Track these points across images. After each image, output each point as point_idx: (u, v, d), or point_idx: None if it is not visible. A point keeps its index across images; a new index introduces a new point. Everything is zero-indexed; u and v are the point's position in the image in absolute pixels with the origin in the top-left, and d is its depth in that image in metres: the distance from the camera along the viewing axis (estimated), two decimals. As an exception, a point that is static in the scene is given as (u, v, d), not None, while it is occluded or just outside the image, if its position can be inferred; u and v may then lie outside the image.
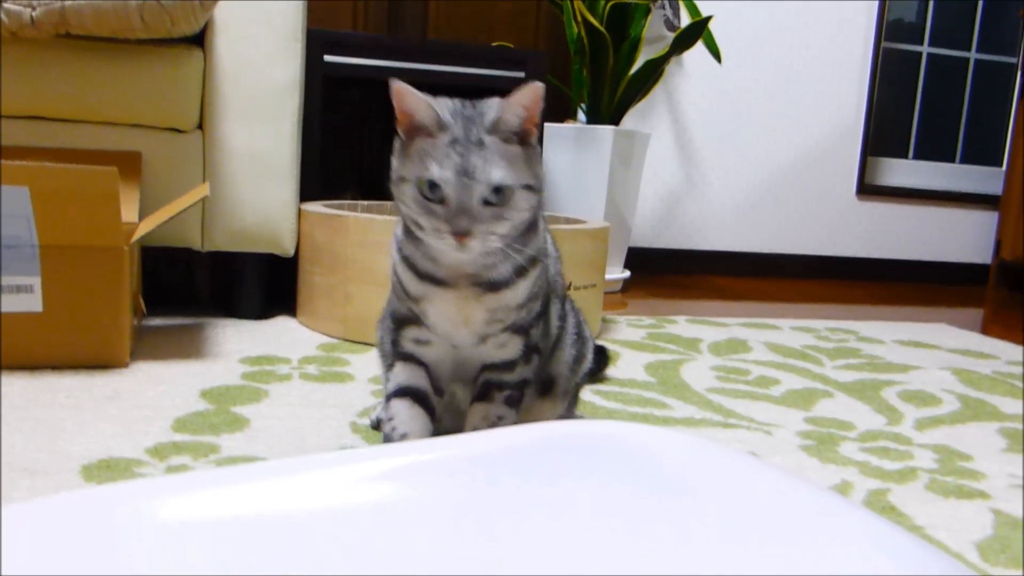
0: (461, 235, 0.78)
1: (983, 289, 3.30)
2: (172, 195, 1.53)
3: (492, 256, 0.84)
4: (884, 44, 3.19)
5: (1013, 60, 3.52)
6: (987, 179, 3.50)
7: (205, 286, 1.88)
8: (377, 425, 1.11)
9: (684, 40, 2.36)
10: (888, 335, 2.10)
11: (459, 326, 0.90)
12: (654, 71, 2.38)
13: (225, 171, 1.60)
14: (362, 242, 1.55)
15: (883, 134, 3.32)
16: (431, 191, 0.79)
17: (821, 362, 1.73)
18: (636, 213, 2.69)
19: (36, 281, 1.24)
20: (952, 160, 3.53)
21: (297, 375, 1.34)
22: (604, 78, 2.37)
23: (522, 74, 2.09)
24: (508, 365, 0.94)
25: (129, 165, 1.51)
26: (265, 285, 1.72)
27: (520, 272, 0.88)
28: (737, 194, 3.08)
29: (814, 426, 1.29)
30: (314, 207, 1.70)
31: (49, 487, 0.87)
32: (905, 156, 3.44)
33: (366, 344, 1.57)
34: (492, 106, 0.81)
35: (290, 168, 1.65)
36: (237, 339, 1.55)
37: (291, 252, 1.70)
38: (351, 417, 1.16)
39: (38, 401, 1.13)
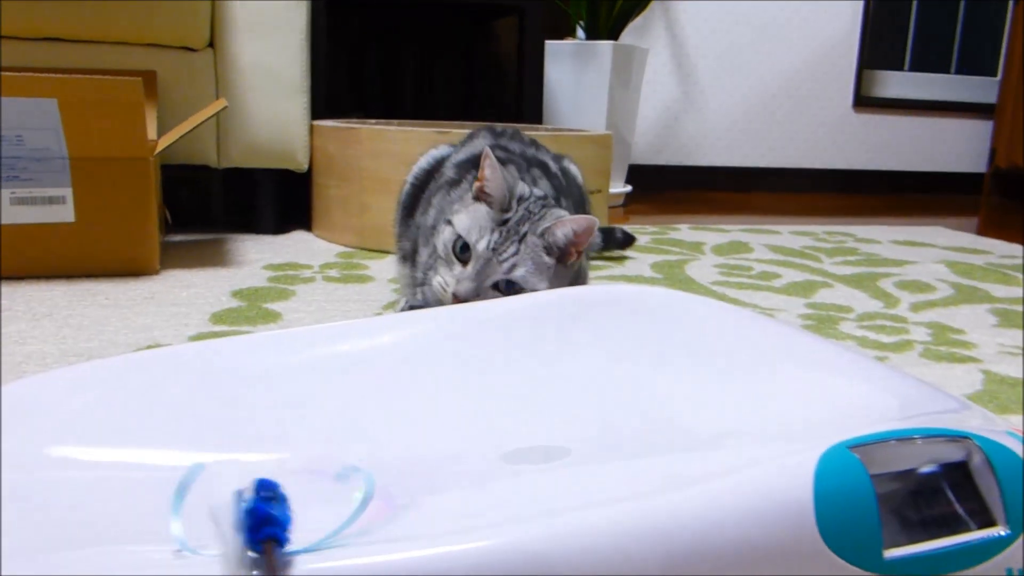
0: (458, 301, 0.84)
1: (978, 197, 3.35)
2: (187, 114, 1.57)
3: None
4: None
5: (1009, -32, 3.51)
6: (983, 89, 3.52)
7: (220, 203, 1.92)
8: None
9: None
10: (885, 236, 2.16)
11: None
12: (652, -17, 2.39)
13: (238, 88, 1.64)
14: (375, 152, 1.60)
15: (879, 46, 3.33)
16: (461, 250, 0.87)
17: (820, 259, 1.79)
18: (635, 130, 2.72)
19: (68, 192, 1.29)
20: (948, 71, 3.54)
21: (320, 278, 1.40)
22: (602, -7, 2.38)
23: (522, -10, 2.10)
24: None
25: (145, 84, 1.54)
26: (280, 200, 1.77)
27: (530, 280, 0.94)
28: (734, 110, 3.11)
29: (815, 310, 1.35)
30: (326, 122, 1.74)
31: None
32: (901, 68, 3.45)
33: (383, 251, 1.63)
34: (551, 215, 0.89)
35: (301, 82, 1.68)
36: (258, 250, 1.60)
37: (305, 167, 1.74)
38: (373, 309, 1.22)
39: (81, 302, 1.19)
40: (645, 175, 2.97)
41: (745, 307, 1.33)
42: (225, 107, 1.37)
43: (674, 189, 3.06)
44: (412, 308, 1.17)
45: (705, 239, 1.99)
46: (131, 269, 1.35)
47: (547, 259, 0.89)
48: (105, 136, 1.27)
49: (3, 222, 1.27)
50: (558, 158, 1.20)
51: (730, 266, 1.67)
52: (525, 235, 0.88)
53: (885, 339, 1.21)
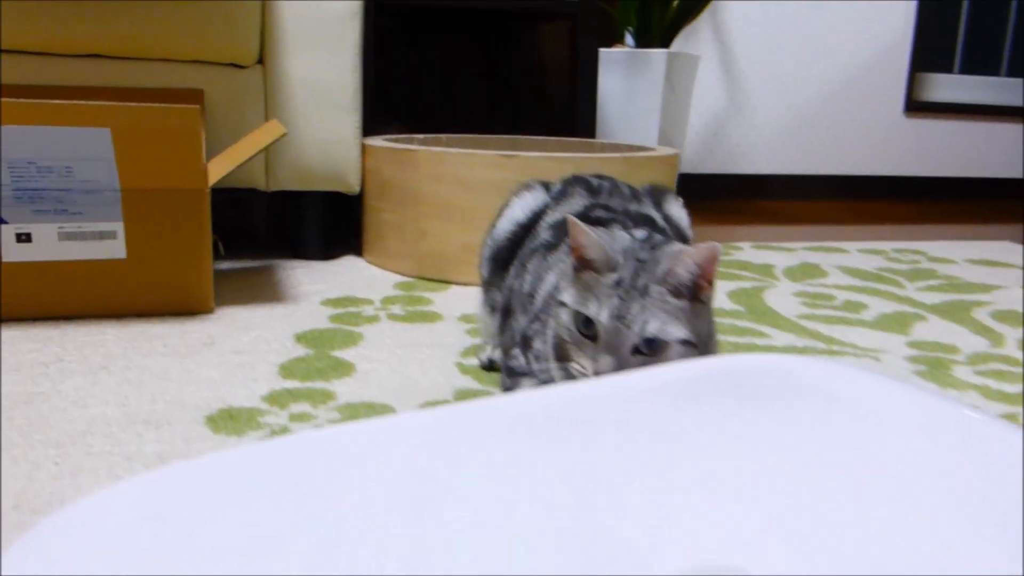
0: None
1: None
2: (234, 134, 1.48)
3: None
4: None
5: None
6: (1033, 91, 3.40)
7: (266, 227, 1.83)
8: (489, 366, 1.08)
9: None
10: (957, 254, 2.05)
11: None
12: (708, -12, 2.28)
13: (288, 107, 1.55)
14: (435, 175, 1.50)
15: (928, 48, 3.21)
16: (585, 326, 0.80)
17: (901, 284, 1.69)
18: (685, 138, 2.61)
19: (119, 226, 1.20)
20: (998, 73, 3.42)
21: (384, 316, 1.31)
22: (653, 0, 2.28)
23: (574, -4, 2.00)
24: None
25: (191, 103, 1.45)
26: (329, 224, 1.68)
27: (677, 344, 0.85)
28: (783, 116, 3.00)
29: (918, 350, 1.25)
30: (378, 141, 1.65)
31: (179, 440, 0.85)
32: (950, 71, 3.33)
33: (443, 281, 1.53)
34: (666, 255, 0.80)
35: (353, 100, 1.59)
36: (311, 280, 1.51)
37: (356, 189, 1.65)
38: (453, 357, 1.13)
39: (137, 349, 1.10)
40: (692, 183, 2.87)
41: (844, 350, 1.24)
42: (284, 134, 1.28)
43: (720, 198, 2.95)
44: (491, 363, 1.09)
45: (773, 260, 1.89)
46: (185, 308, 1.26)
47: (678, 302, 0.79)
48: (159, 166, 1.18)
49: (51, 258, 1.18)
50: (656, 197, 1.11)
51: (810, 294, 1.57)
52: (646, 288, 0.79)
53: (1008, 388, 1.11)
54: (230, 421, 0.89)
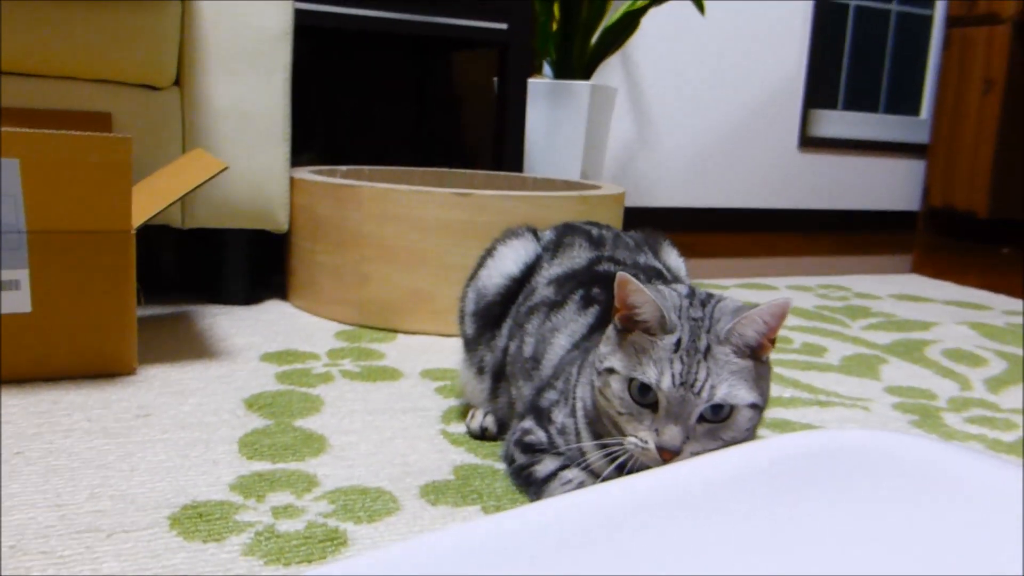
0: (668, 454, 0.69)
1: (913, 235, 3.38)
2: (146, 166, 1.30)
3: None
4: (821, -5, 3.18)
5: (928, 12, 3.59)
6: (908, 128, 3.58)
7: (179, 268, 1.63)
8: (481, 434, 0.96)
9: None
10: (879, 290, 2.08)
11: None
12: (632, 22, 2.25)
13: (209, 135, 1.37)
14: (380, 215, 1.37)
15: (816, 86, 3.32)
16: (641, 395, 0.71)
17: (846, 324, 1.68)
18: (602, 171, 2.57)
19: (23, 275, 1.00)
20: (876, 110, 3.59)
21: (337, 373, 1.16)
22: (576, 30, 2.22)
23: (503, 25, 1.91)
24: None
25: (96, 129, 1.26)
26: (253, 265, 1.51)
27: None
28: (688, 150, 3.02)
29: (899, 397, 1.23)
30: (309, 175, 1.49)
31: (143, 554, 0.68)
32: (835, 107, 3.47)
33: (388, 330, 1.39)
34: (727, 312, 0.72)
35: (282, 129, 1.43)
36: (240, 331, 1.34)
37: (285, 227, 1.49)
38: (436, 425, 1.00)
39: (55, 426, 0.91)
40: (600, 217, 2.83)
41: (831, 400, 1.19)
42: (225, 169, 1.12)
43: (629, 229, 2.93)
44: (483, 431, 0.96)
45: (712, 299, 1.85)
46: (102, 369, 1.07)
47: (743, 362, 0.71)
48: (78, 205, 1.00)
49: (-65, 318, 0.97)
50: (652, 246, 1.02)
51: (766, 336, 1.53)
52: (709, 349, 0.70)
53: (1004, 437, 1.08)
54: (201, 522, 0.73)
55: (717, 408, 0.69)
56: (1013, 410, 1.19)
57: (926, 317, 1.78)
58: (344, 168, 1.74)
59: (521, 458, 0.83)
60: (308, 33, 1.70)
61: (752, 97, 3.09)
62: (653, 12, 2.39)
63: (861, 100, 3.56)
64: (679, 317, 0.71)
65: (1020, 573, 0.56)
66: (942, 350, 1.51)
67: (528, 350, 0.90)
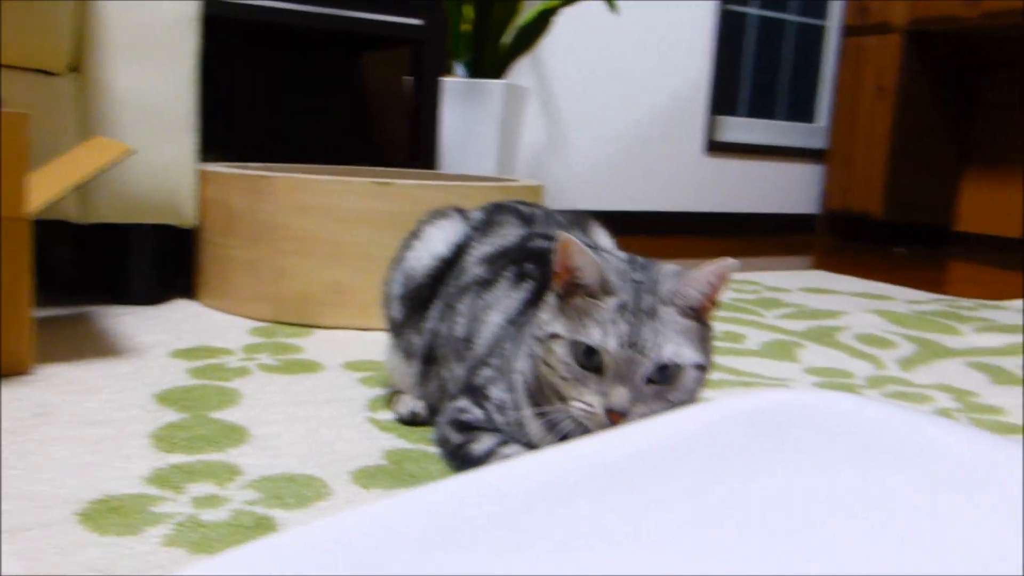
0: (616, 415, 0.67)
1: (812, 237, 3.50)
2: (41, 154, 1.21)
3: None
4: (724, 6, 3.27)
5: (823, 22, 3.74)
6: (806, 134, 3.71)
7: (77, 266, 1.54)
8: (411, 420, 0.93)
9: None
10: (788, 284, 2.14)
11: None
12: (544, 22, 2.25)
13: (111, 123, 1.30)
14: (297, 206, 1.32)
15: (720, 93, 3.41)
16: (587, 358, 0.69)
17: (761, 314, 1.71)
18: (515, 173, 2.57)
19: (-96, 268, 0.91)
20: (774, 117, 3.71)
21: (255, 367, 1.11)
22: (489, 29, 2.21)
23: (418, 22, 1.89)
24: None
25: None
26: (158, 263, 1.43)
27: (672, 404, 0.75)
28: (596, 153, 3.04)
29: (819, 376, 1.25)
30: (221, 167, 1.43)
31: (50, 551, 0.62)
32: (737, 114, 3.56)
33: (306, 326, 1.34)
34: (669, 275, 0.72)
35: (189, 119, 1.37)
36: (146, 329, 1.26)
37: (193, 221, 1.42)
38: (362, 413, 0.96)
39: (-56, 428, 0.84)
40: (514, 220, 2.82)
41: (755, 381, 1.20)
42: (131, 152, 1.05)
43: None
44: (413, 415, 0.93)
45: (631, 293, 1.86)
46: (-5, 369, 0.99)
47: (687, 323, 0.71)
48: (-35, 190, 0.92)
49: None
50: (581, 226, 1.01)
51: (686, 326, 1.54)
52: (654, 310, 0.70)
53: (922, 407, 1.11)
54: (115, 516, 0.67)
55: (663, 368, 0.69)
56: (926, 386, 1.23)
57: (835, 307, 1.83)
58: (254, 166, 1.68)
59: (456, 437, 0.80)
60: (216, 27, 1.64)
61: (660, 101, 3.14)
62: (564, 13, 2.41)
63: (761, 107, 3.67)
64: (621, 280, 0.71)
65: (969, 519, 0.56)
66: (854, 335, 1.55)
67: (460, 330, 0.87)
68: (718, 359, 1.31)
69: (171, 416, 0.91)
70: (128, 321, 1.30)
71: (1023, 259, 2.87)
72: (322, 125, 2.16)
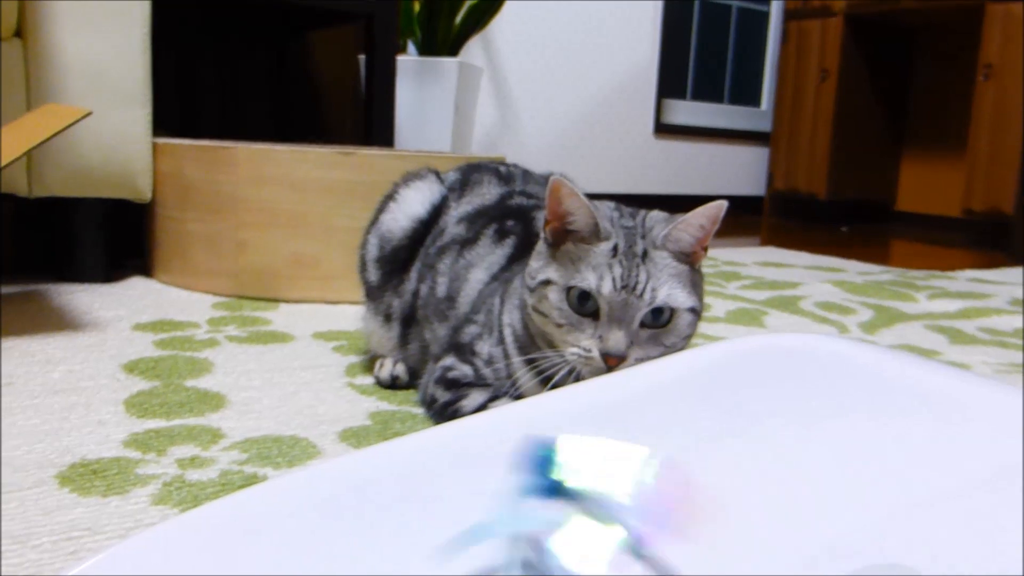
0: (613, 359, 0.67)
1: (760, 218, 3.56)
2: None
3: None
4: (669, -13, 3.29)
5: (766, 8, 3.80)
6: (752, 118, 3.77)
7: (22, 243, 1.47)
8: (391, 383, 0.91)
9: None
10: (743, 259, 2.16)
11: None
12: (496, 1, 2.24)
13: (59, 92, 1.24)
14: (257, 177, 1.28)
15: (668, 76, 3.44)
16: (581, 303, 0.69)
17: (723, 285, 1.73)
18: (469, 152, 2.54)
19: None
20: (721, 101, 3.76)
21: (223, 339, 1.07)
22: (441, 7, 2.19)
23: (368, -4, 1.85)
24: None
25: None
26: (112, 239, 1.38)
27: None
28: (549, 134, 3.04)
29: (787, 340, 1.26)
30: (176, 140, 1.38)
31: (34, 510, 0.59)
32: (684, 97, 3.60)
33: (270, 300, 1.31)
34: (659, 220, 0.72)
35: (143, 89, 1.32)
36: (104, 305, 1.22)
37: (148, 195, 1.37)
38: (340, 378, 0.94)
39: (-101, 400, 0.79)
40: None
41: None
42: (87, 114, 1.00)
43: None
44: (394, 379, 0.91)
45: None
46: (-53, 343, 0.94)
47: (680, 267, 0.70)
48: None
49: None
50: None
51: (651, 296, 1.55)
52: (646, 253, 0.69)
53: (889, 368, 1.14)
54: (96, 478, 0.64)
55: (658, 312, 0.68)
56: (891, 346, 1.25)
57: (792, 279, 1.86)
58: (206, 142, 1.63)
59: (445, 395, 0.79)
60: (166, 2, 1.59)
61: (610, 83, 3.16)
62: (515, -7, 2.40)
63: (708, 91, 3.71)
64: (612, 225, 0.70)
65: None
66: (814, 303, 1.58)
67: (442, 290, 0.86)
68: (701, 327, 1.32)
69: (142, 385, 0.87)
70: (83, 298, 1.25)
71: (962, 236, 2.96)
72: (273, 104, 2.11)
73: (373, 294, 0.94)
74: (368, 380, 0.93)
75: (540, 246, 0.73)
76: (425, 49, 2.26)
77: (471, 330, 0.80)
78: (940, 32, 3.36)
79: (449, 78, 2.15)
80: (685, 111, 3.54)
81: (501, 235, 0.85)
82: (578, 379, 0.70)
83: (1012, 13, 2.74)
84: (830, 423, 0.59)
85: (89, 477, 0.64)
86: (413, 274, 0.91)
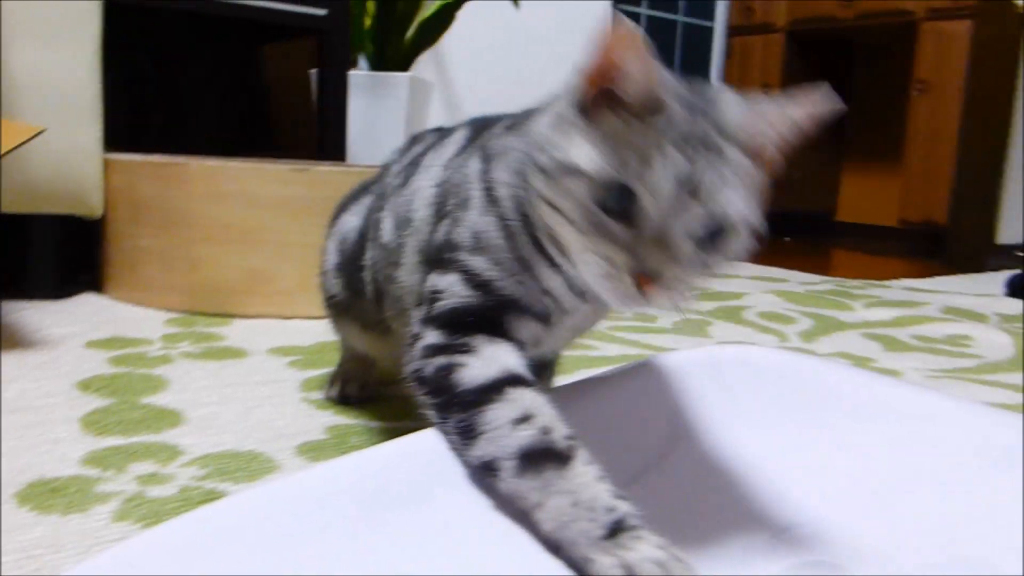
0: (648, 279, 0.49)
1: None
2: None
3: None
4: (617, 6, 3.35)
5: (711, 23, 3.89)
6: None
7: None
8: (343, 400, 0.92)
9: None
10: (690, 270, 2.22)
11: (574, 330, 0.66)
12: (447, 17, 2.27)
13: (6, 108, 1.24)
14: (212, 193, 1.29)
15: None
16: (618, 201, 0.49)
17: (670, 296, 1.77)
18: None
19: None
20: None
21: (177, 355, 1.08)
22: (392, 23, 2.21)
23: (322, 11, 1.87)
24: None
25: None
26: (63, 255, 1.37)
27: None
28: (500, 147, 3.07)
29: (731, 350, 1.31)
30: (128, 155, 1.39)
31: (-7, 528, 0.60)
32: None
33: (224, 315, 1.31)
34: (732, 101, 0.53)
35: (93, 106, 1.32)
36: (55, 322, 1.21)
37: (99, 211, 1.37)
38: (297, 393, 0.95)
39: None
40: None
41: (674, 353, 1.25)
42: (41, 132, 1.01)
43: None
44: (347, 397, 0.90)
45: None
46: None
47: (752, 169, 0.52)
48: None
49: None
50: None
51: (601, 308, 1.58)
52: (715, 143, 0.50)
53: (826, 375, 1.19)
54: (56, 496, 0.65)
55: (714, 233, 0.51)
56: (828, 354, 1.31)
57: (737, 289, 1.92)
58: (158, 157, 1.63)
59: (432, 363, 0.56)
60: (115, 14, 1.58)
61: (559, 97, 3.20)
62: (466, 9, 2.43)
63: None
64: (673, 98, 0.51)
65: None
66: (756, 313, 1.63)
67: (387, 235, 0.71)
68: (636, 337, 1.36)
69: (97, 402, 0.88)
70: (33, 315, 1.25)
71: (899, 246, 3.06)
72: (228, 118, 2.11)
73: (339, 307, 0.87)
74: (323, 396, 0.95)
75: (563, 109, 0.55)
76: (377, 64, 2.28)
77: (443, 227, 0.61)
78: (878, 48, 3.48)
79: (400, 93, 2.17)
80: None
81: (442, 136, 0.71)
82: (592, 302, 0.58)
83: (944, 31, 2.85)
84: (759, 430, 0.63)
85: (48, 495, 0.65)
86: (367, 262, 0.79)
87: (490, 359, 0.54)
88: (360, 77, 2.18)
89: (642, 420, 0.63)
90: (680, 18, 3.81)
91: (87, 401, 0.88)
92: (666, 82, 0.51)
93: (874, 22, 3.08)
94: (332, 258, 0.87)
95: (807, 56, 3.41)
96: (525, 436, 0.50)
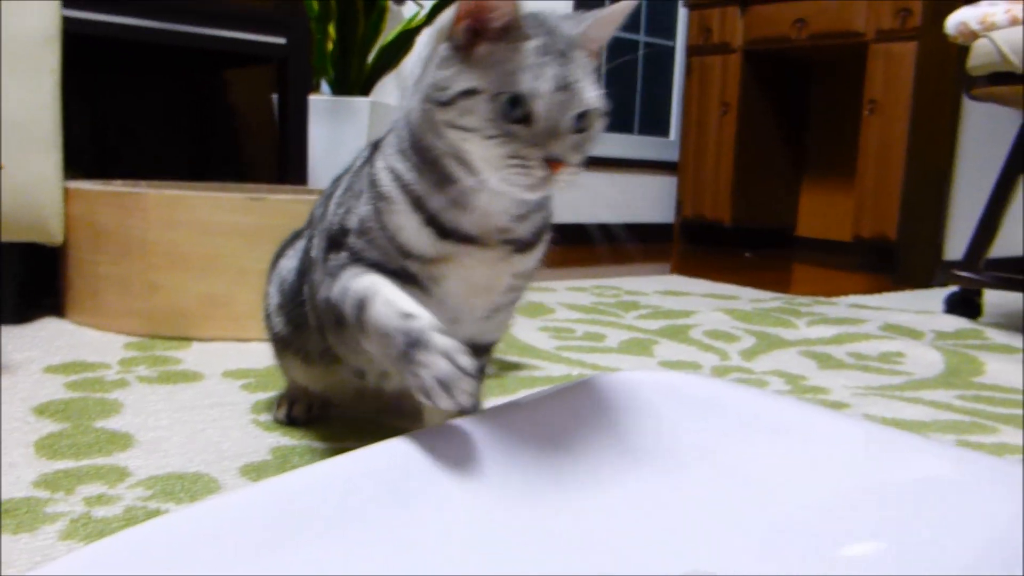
0: (556, 163, 0.62)
1: (670, 245, 3.71)
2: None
3: (525, 206, 0.72)
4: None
5: (672, 43, 3.98)
6: (661, 148, 3.93)
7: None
8: (290, 421, 0.97)
9: (443, 8, 2.34)
10: (646, 288, 2.28)
11: (479, 294, 0.75)
12: (407, 41, 2.32)
13: (-30, 141, 1.28)
14: (168, 221, 1.33)
15: (579, 108, 3.57)
16: (512, 108, 0.61)
17: (620, 315, 1.83)
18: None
19: None
20: (631, 131, 3.92)
21: (134, 379, 1.12)
22: (353, 47, 2.27)
23: (282, 39, 1.92)
24: (489, 348, 0.83)
25: None
26: (23, 281, 1.41)
27: (539, 233, 0.77)
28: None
29: (671, 368, 1.37)
30: (87, 184, 1.43)
31: (-54, 549, 0.64)
32: (596, 129, 3.74)
33: (182, 339, 1.35)
34: (568, 18, 0.67)
35: (53, 135, 1.36)
36: (15, 347, 1.25)
37: (60, 239, 1.41)
38: (246, 415, 1.00)
39: None
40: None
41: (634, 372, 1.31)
42: (1, 168, 1.05)
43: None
44: (291, 420, 0.96)
45: (499, 300, 1.94)
46: None
47: (593, 65, 0.67)
48: None
49: None
50: None
51: (552, 329, 1.64)
52: (567, 51, 0.64)
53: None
54: (6, 517, 0.70)
55: (584, 115, 0.64)
56: (764, 372, 1.37)
57: (687, 307, 1.98)
58: (119, 183, 1.67)
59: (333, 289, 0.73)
60: (76, 44, 1.63)
61: (522, 118, 3.26)
62: (427, 32, 2.48)
63: (618, 122, 3.87)
64: (527, 24, 0.65)
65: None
66: (703, 331, 1.69)
67: (316, 247, 0.80)
68: (582, 357, 1.41)
69: (52, 427, 0.92)
70: (-7, 341, 1.28)
71: (853, 261, 3.15)
72: (188, 143, 2.15)
73: (284, 341, 0.92)
74: (271, 417, 1.00)
75: (445, 51, 0.66)
76: (338, 88, 2.33)
77: (335, 216, 0.76)
78: (832, 68, 3.58)
79: (361, 117, 2.23)
80: (598, 142, 3.67)
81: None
82: (504, 204, 0.69)
83: (893, 52, 2.95)
84: (658, 453, 0.68)
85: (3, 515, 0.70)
86: (283, 261, 0.92)
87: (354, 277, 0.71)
88: (321, 102, 2.23)
89: (567, 441, 0.68)
90: (642, 38, 3.90)
91: (42, 425, 0.92)
92: (523, 10, 0.64)
93: (827, 43, 3.17)
94: (274, 300, 0.93)
95: (765, 75, 3.50)
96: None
